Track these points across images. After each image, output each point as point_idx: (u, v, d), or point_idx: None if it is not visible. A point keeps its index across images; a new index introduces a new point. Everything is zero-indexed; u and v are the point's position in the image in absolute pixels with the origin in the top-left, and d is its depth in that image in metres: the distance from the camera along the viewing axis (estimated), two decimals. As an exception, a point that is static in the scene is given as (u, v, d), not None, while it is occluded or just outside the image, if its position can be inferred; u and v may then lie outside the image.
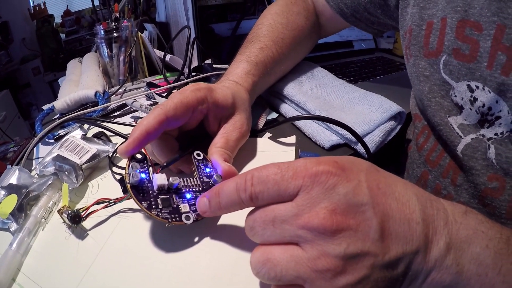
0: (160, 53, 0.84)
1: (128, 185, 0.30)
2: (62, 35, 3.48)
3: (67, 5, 3.62)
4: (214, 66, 0.66)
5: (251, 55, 0.53)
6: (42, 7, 3.31)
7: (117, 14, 0.89)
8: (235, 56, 0.57)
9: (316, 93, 0.57)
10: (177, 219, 0.30)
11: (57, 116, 0.67)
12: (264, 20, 0.62)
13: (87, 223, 0.33)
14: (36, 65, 3.22)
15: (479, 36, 0.42)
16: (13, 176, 0.41)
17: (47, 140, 0.56)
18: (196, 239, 0.32)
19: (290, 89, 0.57)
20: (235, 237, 0.32)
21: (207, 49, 0.82)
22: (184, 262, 0.30)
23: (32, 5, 3.29)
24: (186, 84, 0.63)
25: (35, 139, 0.52)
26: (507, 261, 0.26)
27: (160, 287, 0.29)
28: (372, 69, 0.89)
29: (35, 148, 0.57)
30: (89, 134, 0.49)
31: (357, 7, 0.62)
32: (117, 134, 0.48)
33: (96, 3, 3.55)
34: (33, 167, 0.51)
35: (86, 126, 0.55)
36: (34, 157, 0.55)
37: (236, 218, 0.32)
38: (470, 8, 0.42)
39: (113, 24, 0.78)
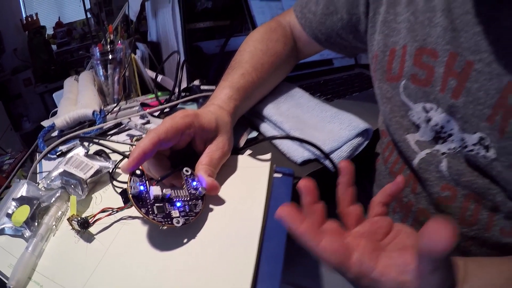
0: (152, 73, 0.90)
1: (130, 195, 0.36)
2: (54, 47, 3.51)
3: (59, 17, 3.68)
4: (202, 87, 0.73)
5: (233, 81, 0.60)
6: (35, 18, 3.35)
7: (112, 35, 0.96)
8: (221, 76, 0.64)
9: (293, 112, 0.64)
10: (169, 222, 0.37)
11: (56, 132, 0.73)
12: (246, 47, 0.69)
13: (93, 229, 0.40)
14: (28, 76, 3.26)
15: (435, 63, 0.48)
16: (23, 189, 0.47)
17: (49, 156, 0.62)
18: (185, 240, 0.38)
19: (269, 110, 0.64)
20: (215, 238, 0.39)
21: (195, 69, 0.89)
22: (175, 259, 0.37)
23: (24, 15, 3.34)
24: (176, 105, 0.70)
25: (40, 155, 0.58)
26: None
27: (156, 280, 0.35)
28: (349, 86, 0.95)
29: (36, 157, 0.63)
30: (90, 151, 0.55)
31: (331, 33, 0.69)
32: (115, 151, 0.54)
33: (88, 15, 3.59)
34: (37, 180, 0.57)
35: (86, 143, 0.61)
36: (38, 171, 0.60)
37: (216, 223, 0.39)
38: (428, 37, 0.48)
39: (108, 46, 0.85)
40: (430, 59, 0.48)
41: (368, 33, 0.61)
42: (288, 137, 0.55)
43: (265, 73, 0.65)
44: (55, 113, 1.01)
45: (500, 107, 0.41)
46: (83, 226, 0.38)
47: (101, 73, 0.84)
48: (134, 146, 0.41)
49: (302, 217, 0.34)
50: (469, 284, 0.35)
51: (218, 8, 1.12)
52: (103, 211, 0.40)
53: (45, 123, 0.82)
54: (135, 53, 1.03)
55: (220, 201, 0.44)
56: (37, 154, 0.66)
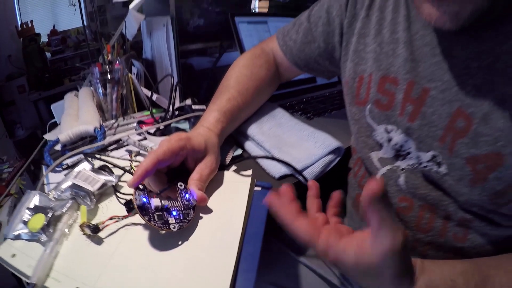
0: (147, 92, 0.97)
1: (136, 206, 0.45)
2: (48, 54, 3.52)
3: (53, 25, 3.68)
4: (193, 107, 0.80)
5: (221, 105, 0.68)
6: (30, 25, 3.35)
7: (109, 55, 1.03)
8: (212, 94, 0.73)
9: (274, 132, 0.72)
10: (167, 227, 0.45)
11: (58, 144, 0.79)
12: (232, 73, 0.77)
13: (102, 234, 0.47)
14: (22, 83, 3.23)
15: (395, 90, 0.55)
16: (35, 199, 0.54)
17: (55, 168, 0.69)
18: (180, 242, 0.47)
19: (253, 130, 0.72)
20: (204, 240, 0.48)
21: (187, 88, 0.97)
22: (172, 257, 0.45)
23: (19, 22, 3.33)
24: (170, 124, 0.78)
25: (48, 168, 0.65)
26: None
27: (156, 274, 0.43)
28: (329, 104, 1.03)
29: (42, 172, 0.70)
30: (94, 166, 0.62)
31: (309, 60, 0.77)
32: (116, 166, 0.62)
33: (84, 23, 3.60)
34: (46, 191, 0.64)
35: (90, 159, 0.68)
36: (46, 182, 0.67)
37: (205, 229, 0.47)
38: (391, 66, 0.56)
39: (107, 66, 0.92)
40: (391, 86, 0.56)
41: (341, 60, 0.69)
42: (267, 157, 0.64)
43: (249, 97, 0.73)
44: (52, 124, 1.08)
45: (450, 130, 0.48)
46: (95, 231, 0.46)
47: (101, 91, 0.91)
48: (137, 166, 0.49)
49: (284, 203, 0.45)
50: (426, 277, 0.43)
51: (209, 27, 1.21)
52: (111, 218, 0.48)
53: (48, 137, 0.89)
54: (131, 69, 1.10)
55: (208, 210, 0.53)
56: (43, 166, 0.72)
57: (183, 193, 0.51)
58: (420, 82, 0.51)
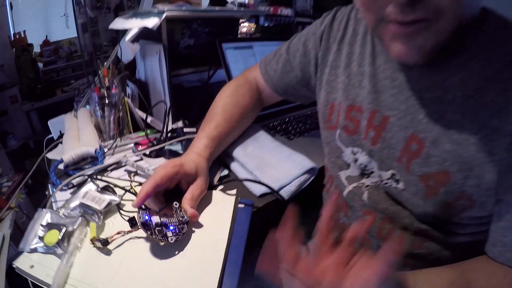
0: (142, 114, 1.06)
1: (139, 222, 0.55)
2: (40, 64, 3.54)
3: (46, 35, 3.71)
4: (185, 130, 0.89)
5: (209, 132, 0.77)
6: (22, 35, 3.37)
7: (106, 79, 1.10)
8: (201, 116, 0.85)
9: (257, 153, 0.82)
10: (166, 240, 0.55)
11: (60, 163, 0.87)
12: (218, 101, 0.86)
13: (110, 246, 0.56)
14: (14, 93, 3.26)
15: (360, 117, 0.64)
16: (47, 216, 0.62)
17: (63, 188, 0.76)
18: (176, 252, 0.57)
19: (237, 152, 0.81)
20: (196, 249, 0.58)
21: (178, 110, 1.06)
22: (170, 263, 0.56)
23: (12, 32, 3.35)
24: (163, 147, 0.86)
25: (57, 188, 0.73)
26: None
27: (158, 277, 0.53)
28: (309, 123, 1.13)
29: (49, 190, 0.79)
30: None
31: (288, 88, 0.86)
32: (118, 187, 0.70)
33: (74, 34, 3.62)
34: (54, 208, 0.71)
35: (95, 180, 0.76)
36: (53, 200, 0.75)
37: (197, 240, 0.57)
38: (357, 97, 0.65)
39: (105, 92, 1.00)
40: (357, 114, 0.65)
41: (316, 88, 0.78)
42: (249, 180, 0.74)
43: (234, 123, 0.83)
44: (50, 140, 1.16)
45: (406, 152, 0.57)
46: (105, 244, 0.55)
47: (99, 114, 0.99)
48: (136, 186, 0.59)
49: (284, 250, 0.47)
50: None
51: (199, 47, 1.29)
52: (118, 233, 0.57)
53: (50, 156, 0.98)
54: (125, 89, 1.18)
55: (199, 225, 0.63)
56: (49, 185, 0.81)
57: (178, 211, 0.60)
58: (381, 110, 0.60)
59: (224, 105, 0.84)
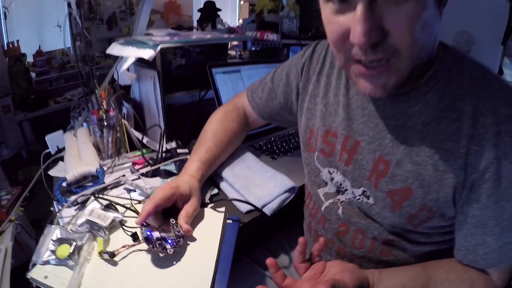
0: (138, 134, 1.13)
1: (142, 237, 0.64)
2: (33, 74, 3.52)
3: (39, 45, 3.69)
4: (178, 151, 0.98)
5: (200, 155, 0.86)
6: (16, 45, 3.35)
7: (104, 102, 1.18)
8: (192, 136, 0.97)
9: (243, 173, 0.91)
10: (165, 251, 0.64)
11: (64, 181, 0.94)
12: (209, 127, 0.95)
13: (116, 258, 0.65)
14: (7, 103, 3.23)
15: (335, 141, 0.73)
16: (57, 232, 0.70)
17: (64, 204, 0.83)
18: (174, 262, 0.66)
19: (226, 172, 0.91)
20: (190, 259, 0.67)
21: (171, 130, 1.15)
22: (169, 270, 0.65)
23: (6, 42, 3.33)
24: (158, 168, 0.95)
25: (64, 206, 0.81)
26: None
27: (158, 282, 0.62)
28: (292, 142, 1.23)
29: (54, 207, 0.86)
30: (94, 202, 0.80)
31: (272, 113, 0.95)
32: (119, 205, 0.79)
33: (68, 44, 3.55)
34: (60, 223, 0.79)
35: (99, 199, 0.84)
36: (60, 216, 0.83)
37: (191, 252, 0.67)
38: (333, 123, 0.74)
39: (104, 115, 1.07)
40: (332, 139, 0.74)
41: (298, 114, 0.87)
42: (236, 199, 0.84)
43: (223, 147, 0.92)
44: (47, 155, 1.23)
45: (374, 171, 0.66)
46: (112, 256, 0.64)
47: (98, 135, 1.07)
48: (137, 203, 0.71)
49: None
50: (381, 286, 0.62)
51: (190, 66, 1.37)
52: (123, 246, 0.66)
53: (52, 173, 1.05)
54: (121, 108, 1.25)
55: (193, 238, 0.72)
56: (54, 202, 0.88)
57: (175, 227, 0.69)
58: (353, 136, 0.70)
59: (214, 131, 0.93)
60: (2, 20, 3.35)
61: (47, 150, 1.30)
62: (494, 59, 2.96)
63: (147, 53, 1.01)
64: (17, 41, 3.41)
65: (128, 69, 1.15)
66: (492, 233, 0.58)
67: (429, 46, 0.55)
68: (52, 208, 0.88)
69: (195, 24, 4.00)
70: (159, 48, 1.00)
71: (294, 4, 1.99)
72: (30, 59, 3.63)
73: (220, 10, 3.17)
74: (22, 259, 1.46)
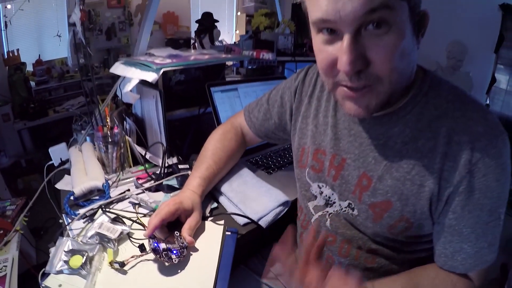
0: (140, 150, 1.19)
1: (149, 249, 0.71)
2: (32, 83, 3.55)
3: (39, 54, 3.71)
4: (179, 166, 1.05)
5: (201, 173, 0.93)
6: (16, 54, 3.39)
7: (108, 119, 1.24)
8: (192, 151, 1.07)
9: (241, 188, 0.98)
10: (171, 261, 0.71)
11: (72, 195, 1.00)
12: (208, 146, 1.02)
13: (126, 267, 0.72)
14: (6, 111, 3.26)
15: (324, 159, 0.79)
16: (68, 243, 0.76)
17: (72, 216, 0.89)
18: (179, 270, 0.73)
19: (225, 187, 0.98)
20: (193, 268, 0.73)
21: (172, 145, 1.21)
22: (174, 278, 0.71)
23: (6, 50, 3.36)
24: (161, 182, 1.01)
25: (75, 219, 0.87)
26: None
27: None
28: (286, 157, 1.30)
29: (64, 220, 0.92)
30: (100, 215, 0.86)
31: (268, 132, 1.02)
32: (126, 218, 0.85)
33: (66, 53, 3.63)
34: (71, 236, 0.85)
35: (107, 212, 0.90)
36: (69, 228, 0.88)
37: (194, 261, 0.73)
38: (322, 142, 0.80)
39: (108, 132, 1.13)
40: (322, 156, 0.80)
41: (291, 133, 0.94)
42: (233, 213, 0.91)
43: (222, 164, 0.99)
44: (50, 166, 1.29)
45: (358, 186, 0.72)
46: (122, 266, 0.71)
47: (103, 151, 1.13)
48: (142, 217, 0.80)
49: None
50: None
51: (189, 81, 1.43)
52: (132, 256, 0.73)
53: (59, 186, 1.11)
54: (123, 123, 1.30)
55: (195, 249, 0.79)
56: (64, 215, 0.93)
57: (179, 238, 0.76)
58: (340, 154, 0.76)
59: (213, 149, 1.00)
60: (2, 29, 3.39)
61: (50, 162, 1.34)
62: (487, 67, 3.08)
63: (151, 76, 1.07)
64: (17, 50, 3.45)
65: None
66: (468, 240, 0.63)
67: (408, 72, 0.61)
68: (61, 221, 0.93)
69: (192, 35, 4.08)
70: (161, 71, 1.07)
71: (290, 21, 2.07)
72: (29, 68, 3.66)
73: (217, 21, 3.21)
74: (24, 267, 1.50)
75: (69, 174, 1.15)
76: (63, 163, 1.30)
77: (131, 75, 1.16)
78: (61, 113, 3.54)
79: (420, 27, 0.60)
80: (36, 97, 3.54)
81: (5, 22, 3.38)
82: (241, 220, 0.89)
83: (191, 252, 0.77)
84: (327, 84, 0.66)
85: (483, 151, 0.59)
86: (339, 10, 0.53)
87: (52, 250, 0.76)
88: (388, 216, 0.68)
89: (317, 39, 0.60)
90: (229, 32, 5.42)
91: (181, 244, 0.75)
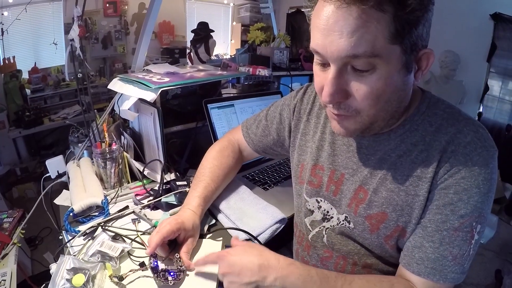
0: (138, 166, 1.21)
1: (150, 267, 0.73)
2: (27, 91, 3.56)
3: (35, 62, 3.73)
4: (177, 183, 1.07)
5: (200, 192, 0.94)
6: (12, 61, 3.41)
7: (106, 135, 1.25)
8: (189, 166, 1.10)
9: (238, 205, 1.00)
10: (166, 282, 0.73)
11: (71, 212, 1.01)
12: (206, 163, 1.04)
13: (125, 281, 0.74)
14: (1, 119, 3.28)
15: (322, 174, 0.82)
16: (69, 262, 0.78)
17: (72, 233, 0.91)
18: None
19: (222, 205, 1.00)
20: (193, 284, 0.75)
21: (170, 161, 1.23)
22: None
23: (2, 57, 3.39)
24: (160, 200, 1.04)
25: (75, 236, 0.89)
26: (311, 285, 0.64)
27: None
28: (282, 172, 1.33)
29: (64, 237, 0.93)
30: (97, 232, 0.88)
31: (266, 147, 1.05)
32: (125, 236, 0.87)
33: (62, 62, 3.67)
34: (71, 253, 0.87)
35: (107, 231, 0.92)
36: (69, 245, 0.90)
37: (192, 280, 0.75)
38: (320, 158, 0.83)
39: (107, 149, 1.14)
40: (320, 171, 0.83)
41: (290, 149, 0.97)
42: (232, 228, 0.93)
43: (220, 182, 1.01)
44: (47, 178, 1.29)
45: (355, 199, 0.75)
46: (120, 279, 0.73)
47: (101, 167, 1.15)
48: (142, 234, 0.84)
49: None
50: (282, 274, 0.64)
51: (185, 95, 1.46)
52: (130, 270, 0.76)
53: (58, 202, 1.12)
54: (120, 137, 1.32)
55: (192, 270, 0.79)
56: (63, 232, 0.94)
57: (178, 261, 0.78)
58: (339, 169, 0.79)
59: (211, 167, 1.02)
60: (-1, 36, 3.39)
61: (47, 174, 1.35)
62: (480, 76, 3.16)
63: (149, 96, 1.10)
64: (13, 57, 3.48)
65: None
66: (430, 238, 0.65)
67: (392, 107, 0.64)
68: (60, 237, 0.95)
69: (188, 44, 4.11)
70: (159, 91, 1.09)
71: (285, 35, 2.10)
72: (25, 75, 3.68)
73: (213, 31, 3.26)
74: (20, 277, 1.49)
75: (66, 187, 1.17)
76: (60, 175, 1.31)
77: (129, 93, 1.18)
78: (57, 122, 3.54)
79: (420, 65, 0.62)
80: (32, 105, 3.56)
81: (1, 29, 3.40)
82: (239, 236, 0.90)
83: (187, 273, 0.79)
84: (321, 102, 0.72)
85: (466, 156, 0.62)
86: (326, 46, 0.57)
87: (52, 266, 0.78)
88: (384, 227, 0.71)
89: (315, 62, 0.65)
90: (225, 41, 5.46)
91: (179, 267, 0.77)
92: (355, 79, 0.59)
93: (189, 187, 1.03)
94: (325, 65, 0.62)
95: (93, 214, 1.01)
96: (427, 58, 0.61)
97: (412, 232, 0.69)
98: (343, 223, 0.78)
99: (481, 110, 3.22)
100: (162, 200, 1.03)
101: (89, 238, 0.89)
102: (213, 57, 2.27)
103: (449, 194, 0.63)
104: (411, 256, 0.67)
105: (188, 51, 3.78)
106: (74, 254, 0.84)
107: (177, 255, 0.79)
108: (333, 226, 0.81)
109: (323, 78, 0.62)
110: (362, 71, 0.58)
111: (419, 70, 0.62)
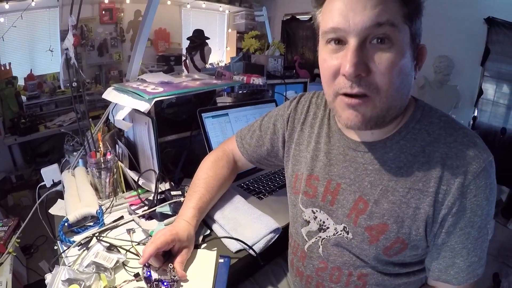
0: (133, 175, 1.21)
1: (143, 277, 0.74)
2: (23, 97, 3.53)
3: (31, 69, 3.68)
4: (172, 193, 1.08)
5: (194, 203, 0.95)
6: (7, 67, 3.37)
7: (101, 145, 1.25)
8: (184, 175, 1.12)
9: (232, 215, 1.01)
10: None
11: (66, 222, 1.01)
12: (200, 174, 1.04)
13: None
14: None
15: (318, 184, 0.82)
16: (64, 272, 0.78)
17: (67, 243, 0.91)
18: None
19: (217, 215, 1.01)
20: None
21: (164, 170, 1.24)
22: None
23: None
24: (155, 210, 1.04)
25: (70, 247, 0.89)
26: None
27: None
28: (277, 181, 1.34)
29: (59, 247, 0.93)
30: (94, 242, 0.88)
31: (260, 158, 1.06)
32: (119, 246, 0.88)
33: (58, 69, 3.62)
34: (66, 263, 0.87)
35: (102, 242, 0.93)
36: (65, 256, 0.90)
37: None
38: (315, 168, 0.83)
39: (101, 159, 1.15)
40: (315, 182, 0.83)
41: (284, 159, 0.97)
42: (227, 237, 0.93)
43: (215, 193, 1.02)
44: (42, 186, 1.31)
45: (354, 209, 0.75)
46: None
47: (96, 176, 1.15)
48: (137, 244, 0.84)
49: None
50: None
51: (180, 104, 1.46)
52: (124, 281, 0.77)
53: (52, 211, 1.12)
54: (115, 146, 1.32)
55: (189, 277, 0.80)
56: (58, 242, 0.94)
57: (172, 271, 0.78)
58: (335, 179, 0.79)
59: (206, 178, 1.02)
60: (-5, 43, 3.35)
61: (42, 183, 1.35)
62: (474, 80, 3.20)
63: (143, 106, 1.10)
64: (9, 63, 3.44)
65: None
66: (460, 255, 0.69)
67: (404, 92, 0.66)
68: (56, 247, 0.95)
69: (184, 51, 4.13)
70: (153, 101, 1.10)
71: (279, 43, 2.12)
72: (21, 82, 3.65)
73: (208, 38, 3.27)
74: (15, 287, 1.49)
75: (61, 196, 1.17)
76: (55, 184, 1.32)
77: (123, 103, 1.19)
78: (52, 129, 3.52)
79: (418, 59, 0.67)
80: (27, 112, 3.52)
81: (-1, 36, 3.37)
82: (233, 247, 0.91)
83: (181, 283, 0.79)
84: (327, 96, 0.71)
85: (474, 173, 0.64)
86: (349, 20, 0.61)
87: (47, 276, 0.78)
88: (384, 238, 0.71)
89: (324, 50, 0.67)
90: (220, 49, 5.48)
91: (172, 277, 0.77)
92: (375, 54, 0.61)
93: (184, 197, 1.04)
94: (340, 46, 0.64)
95: (88, 224, 1.01)
96: (422, 53, 0.67)
97: (413, 244, 0.71)
98: (340, 234, 0.78)
99: (475, 114, 3.25)
100: (157, 211, 1.03)
101: (84, 248, 0.90)
102: (208, 66, 2.27)
103: (466, 215, 0.66)
104: (447, 273, 0.71)
105: (183, 58, 3.79)
106: (69, 265, 0.84)
107: (170, 265, 0.80)
108: (329, 236, 0.80)
109: (337, 60, 0.64)
110: (381, 46, 0.61)
111: (416, 65, 0.67)
